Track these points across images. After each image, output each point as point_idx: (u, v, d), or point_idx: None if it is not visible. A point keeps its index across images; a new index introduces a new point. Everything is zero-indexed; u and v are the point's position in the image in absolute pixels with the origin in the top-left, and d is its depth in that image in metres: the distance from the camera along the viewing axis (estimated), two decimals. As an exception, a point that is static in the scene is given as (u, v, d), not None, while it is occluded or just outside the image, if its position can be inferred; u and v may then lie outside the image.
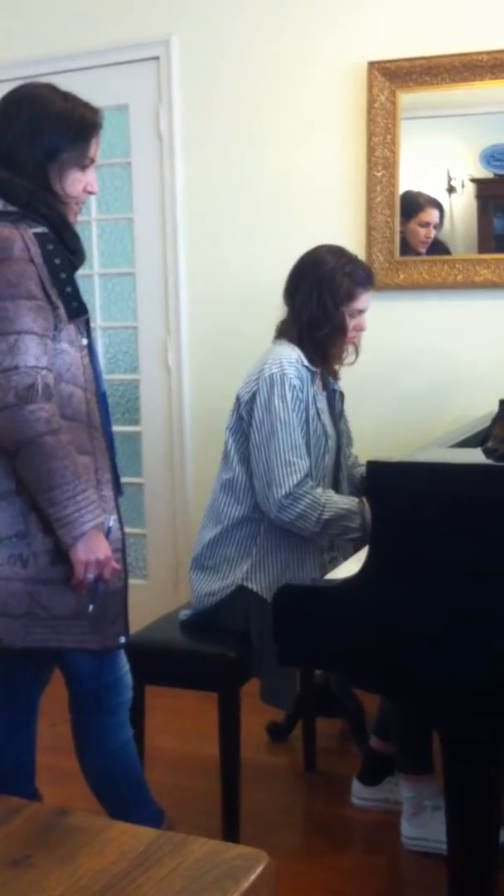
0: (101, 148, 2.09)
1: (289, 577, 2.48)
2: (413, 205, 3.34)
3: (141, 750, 2.40)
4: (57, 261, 1.93)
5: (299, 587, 1.95)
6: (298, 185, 3.46)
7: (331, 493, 2.50)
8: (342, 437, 2.72)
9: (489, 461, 1.89)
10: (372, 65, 3.27)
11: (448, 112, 3.28)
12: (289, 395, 2.44)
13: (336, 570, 2.18)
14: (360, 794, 2.68)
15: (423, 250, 3.35)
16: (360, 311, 2.58)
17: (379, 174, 3.33)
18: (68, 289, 1.95)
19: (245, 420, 2.52)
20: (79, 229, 2.09)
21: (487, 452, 1.95)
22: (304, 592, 1.91)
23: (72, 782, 2.36)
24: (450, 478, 1.76)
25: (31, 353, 1.86)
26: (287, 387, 2.45)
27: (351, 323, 2.57)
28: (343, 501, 2.47)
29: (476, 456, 1.97)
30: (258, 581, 2.49)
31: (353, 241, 3.37)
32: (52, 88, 2.04)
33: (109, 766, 2.21)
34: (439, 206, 3.32)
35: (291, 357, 2.50)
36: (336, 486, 2.68)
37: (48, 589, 1.96)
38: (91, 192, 2.07)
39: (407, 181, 3.32)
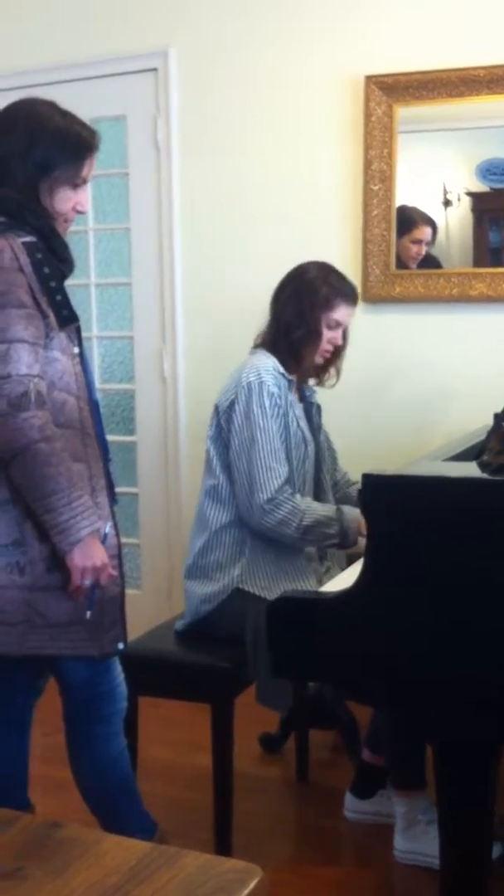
0: (98, 158, 2.10)
1: (282, 576, 2.49)
2: (407, 221, 3.35)
3: (134, 760, 2.40)
4: (46, 269, 1.94)
5: (295, 599, 1.95)
6: (295, 197, 3.47)
7: (309, 501, 2.52)
8: (321, 449, 2.73)
9: (484, 475, 1.90)
10: (369, 79, 3.29)
11: (444, 126, 3.29)
12: (267, 403, 2.47)
13: (331, 583, 2.19)
14: (353, 807, 2.68)
15: (414, 266, 3.37)
16: (338, 324, 2.60)
17: (375, 188, 3.34)
18: (58, 297, 1.96)
19: (224, 429, 2.54)
20: (76, 239, 2.11)
21: (483, 466, 1.96)
22: (299, 604, 1.91)
23: (64, 792, 2.35)
24: (445, 491, 1.76)
25: (23, 361, 1.87)
26: (265, 394, 2.47)
27: (327, 334, 2.58)
28: (322, 509, 2.50)
29: (471, 469, 1.98)
30: (253, 582, 2.50)
31: (349, 253, 3.39)
32: (52, 105, 2.05)
33: (103, 775, 2.20)
34: (433, 224, 3.33)
35: (268, 365, 2.53)
36: (318, 495, 2.68)
37: (45, 596, 1.96)
38: (80, 212, 2.08)
39: (403, 195, 3.34)
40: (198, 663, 2.48)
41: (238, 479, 2.49)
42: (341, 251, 3.41)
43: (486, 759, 1.80)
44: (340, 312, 2.59)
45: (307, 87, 3.42)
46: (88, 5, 3.71)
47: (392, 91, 3.27)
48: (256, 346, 2.65)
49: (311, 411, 2.75)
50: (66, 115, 2.04)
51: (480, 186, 3.27)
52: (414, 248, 3.37)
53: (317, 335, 2.58)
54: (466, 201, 3.29)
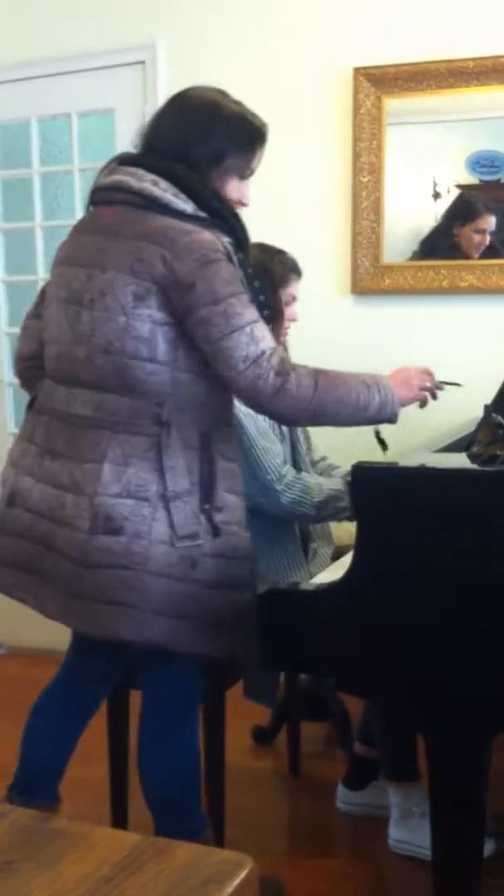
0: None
1: (270, 576, 2.48)
2: (470, 210, 3.31)
3: (125, 754, 2.39)
4: (249, 270, 1.97)
5: (285, 591, 1.95)
6: (284, 189, 3.47)
7: (317, 477, 2.52)
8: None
9: (474, 466, 1.90)
10: (358, 70, 3.28)
11: (434, 118, 3.29)
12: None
13: (321, 575, 2.19)
14: (345, 798, 2.68)
15: (476, 255, 3.31)
16: (294, 298, 2.57)
17: (364, 180, 3.34)
18: (261, 297, 1.99)
19: None
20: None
21: (472, 457, 1.97)
22: (289, 596, 1.91)
23: (61, 787, 2.35)
24: (435, 483, 1.77)
25: (266, 337, 1.90)
26: None
27: (286, 311, 2.55)
28: (329, 483, 2.50)
29: (461, 461, 1.98)
30: None
31: (338, 245, 3.39)
32: (224, 94, 2.04)
33: (183, 767, 2.08)
34: (495, 213, 3.28)
35: None
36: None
37: (210, 593, 1.93)
38: (243, 205, 2.05)
39: (392, 187, 3.33)
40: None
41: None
42: (330, 243, 3.41)
43: (478, 753, 1.80)
44: (293, 286, 2.57)
45: (295, 79, 3.42)
46: (76, -2, 3.70)
47: (381, 83, 3.27)
48: None
49: None
50: (239, 104, 2.03)
51: (470, 179, 3.27)
52: (477, 238, 3.32)
53: (280, 315, 2.53)
54: (456, 193, 3.29)
